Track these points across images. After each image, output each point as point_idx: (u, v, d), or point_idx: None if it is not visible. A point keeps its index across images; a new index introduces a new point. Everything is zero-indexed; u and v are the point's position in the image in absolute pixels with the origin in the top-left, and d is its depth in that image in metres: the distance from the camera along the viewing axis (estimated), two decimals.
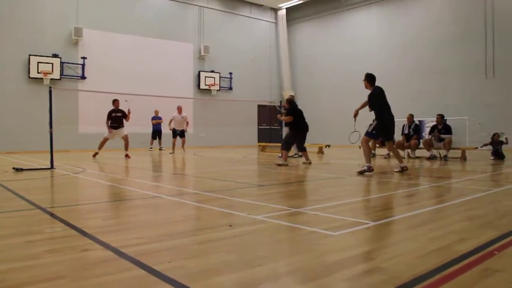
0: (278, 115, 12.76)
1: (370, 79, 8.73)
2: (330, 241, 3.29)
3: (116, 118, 13.94)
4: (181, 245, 3.18)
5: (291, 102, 11.58)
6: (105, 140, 13.97)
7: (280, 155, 11.79)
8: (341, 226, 3.78)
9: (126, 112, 14.00)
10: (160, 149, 18.78)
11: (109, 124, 13.86)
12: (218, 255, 2.91)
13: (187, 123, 17.42)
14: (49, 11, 18.76)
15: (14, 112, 17.71)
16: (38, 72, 18.11)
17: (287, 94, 23.04)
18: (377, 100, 8.55)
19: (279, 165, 10.38)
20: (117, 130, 13.97)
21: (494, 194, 5.77)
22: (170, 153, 16.65)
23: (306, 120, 11.45)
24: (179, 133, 17.22)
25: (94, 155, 13.77)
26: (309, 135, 11.50)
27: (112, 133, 13.96)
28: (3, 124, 17.37)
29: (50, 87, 9.86)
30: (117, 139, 14.06)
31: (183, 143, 17.35)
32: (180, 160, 13.35)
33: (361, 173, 8.19)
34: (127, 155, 13.77)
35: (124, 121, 14.05)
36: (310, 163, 10.93)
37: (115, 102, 14.11)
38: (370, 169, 8.26)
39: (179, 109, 17.27)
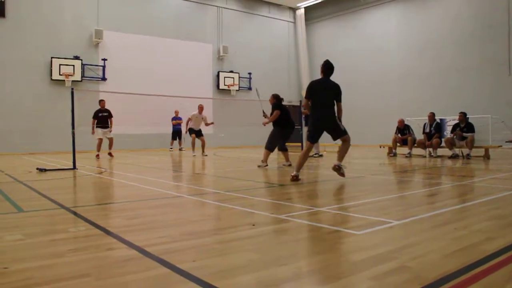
0: (264, 121, 10.89)
1: (324, 67, 7.37)
2: (353, 240, 3.27)
3: (103, 118, 14.60)
4: (204, 244, 3.19)
5: (277, 97, 10.60)
6: (100, 141, 14.56)
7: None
8: (364, 225, 3.75)
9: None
10: (180, 149, 18.87)
11: (95, 125, 14.45)
12: (242, 254, 2.91)
13: (210, 123, 16.21)
14: (70, 14, 19.02)
15: (37, 114, 18.00)
16: (60, 74, 18.40)
17: None
18: (309, 92, 7.33)
19: (259, 166, 9.84)
20: (104, 130, 14.61)
21: None
22: (194, 155, 15.32)
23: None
24: (197, 132, 15.88)
25: (98, 156, 14.31)
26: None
27: (100, 133, 14.55)
28: (26, 125, 17.66)
29: (72, 89, 9.98)
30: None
31: (203, 144, 15.84)
32: (200, 160, 13.40)
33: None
34: (110, 154, 14.46)
35: (112, 123, 14.80)
36: (289, 165, 9.81)
37: (101, 102, 14.80)
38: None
39: (201, 108, 15.85)
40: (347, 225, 3.75)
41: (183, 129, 17.81)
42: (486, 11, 18.69)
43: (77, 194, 6.57)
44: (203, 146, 15.84)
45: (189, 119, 16.05)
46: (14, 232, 3.57)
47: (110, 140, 14.71)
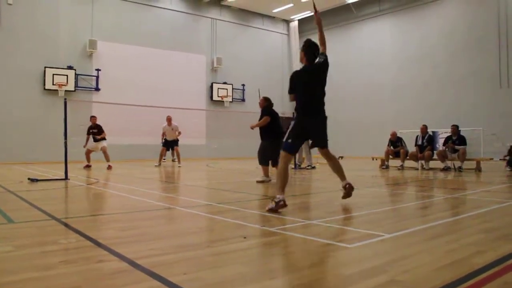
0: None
1: (307, 49, 5.82)
2: (345, 254, 3.27)
3: (94, 134, 14.62)
4: (196, 256, 3.18)
5: (269, 100, 9.86)
6: (88, 152, 14.60)
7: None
8: (356, 238, 3.75)
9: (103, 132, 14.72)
10: (173, 160, 18.82)
11: (87, 139, 14.61)
12: (233, 267, 2.90)
13: (179, 132, 16.21)
14: (65, 24, 19.05)
15: (29, 123, 17.93)
16: (53, 84, 18.38)
17: None
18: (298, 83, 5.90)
19: (259, 181, 8.95)
20: (96, 143, 14.58)
21: (511, 206, 5.68)
22: (156, 165, 15.58)
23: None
24: (170, 144, 16.24)
25: (85, 167, 14.26)
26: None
27: (93, 146, 14.59)
28: (18, 135, 17.59)
29: (65, 99, 9.96)
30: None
31: (178, 154, 16.13)
32: (193, 172, 13.38)
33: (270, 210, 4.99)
34: (109, 166, 14.06)
35: (102, 136, 14.69)
36: (269, 180, 8.98)
37: (92, 118, 14.73)
38: (279, 205, 4.97)
39: (169, 120, 16.08)
40: (339, 238, 3.75)
41: (161, 140, 17.53)
42: (479, 25, 18.89)
43: (68, 205, 6.54)
44: (178, 156, 16.14)
45: (164, 133, 16.43)
46: (4, 243, 3.53)
47: (104, 150, 14.46)
